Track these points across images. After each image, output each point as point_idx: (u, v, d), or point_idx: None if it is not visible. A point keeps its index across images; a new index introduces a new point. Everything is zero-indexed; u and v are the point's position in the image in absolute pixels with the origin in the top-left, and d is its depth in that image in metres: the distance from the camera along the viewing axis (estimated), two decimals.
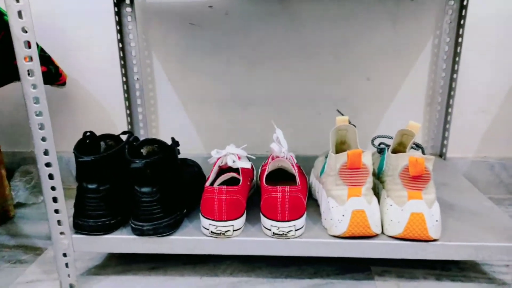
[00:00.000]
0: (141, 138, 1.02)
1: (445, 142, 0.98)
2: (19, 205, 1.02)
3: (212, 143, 1.07)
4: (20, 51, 0.57)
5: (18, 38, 0.56)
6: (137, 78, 0.99)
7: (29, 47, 0.57)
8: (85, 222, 0.65)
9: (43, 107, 0.60)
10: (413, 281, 0.69)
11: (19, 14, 0.56)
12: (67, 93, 1.05)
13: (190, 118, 1.05)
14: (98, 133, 0.71)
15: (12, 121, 1.08)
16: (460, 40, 0.91)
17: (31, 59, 0.58)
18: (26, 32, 0.57)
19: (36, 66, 0.58)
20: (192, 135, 1.06)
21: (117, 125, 1.06)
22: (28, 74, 0.58)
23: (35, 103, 0.59)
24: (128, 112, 1.00)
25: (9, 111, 1.07)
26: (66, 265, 0.67)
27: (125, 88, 0.98)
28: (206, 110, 1.04)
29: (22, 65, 0.58)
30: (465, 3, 0.89)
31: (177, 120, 1.05)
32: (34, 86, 0.59)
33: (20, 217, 0.96)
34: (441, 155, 1.00)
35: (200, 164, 0.87)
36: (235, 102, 1.03)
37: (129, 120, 1.01)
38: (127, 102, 0.99)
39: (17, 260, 0.78)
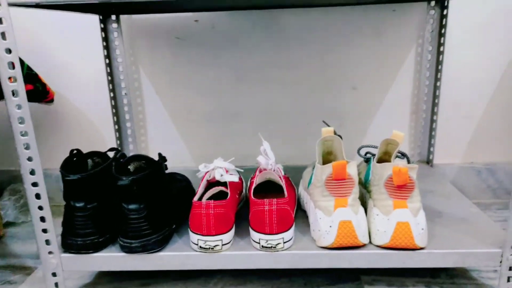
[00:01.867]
0: (131, 153, 1.03)
1: (431, 149, 0.99)
2: (8, 224, 1.01)
3: (201, 155, 1.07)
4: (4, 71, 0.57)
5: (1, 59, 0.57)
6: (125, 93, 1.00)
7: (13, 67, 0.58)
8: (74, 241, 0.64)
9: (28, 127, 0.60)
10: None
11: (3, 35, 0.56)
12: (55, 110, 1.05)
13: (178, 132, 1.06)
14: (86, 150, 0.71)
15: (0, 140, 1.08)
16: (442, 48, 0.93)
17: (15, 79, 0.58)
18: (10, 52, 0.57)
19: (20, 86, 0.58)
20: (181, 148, 1.07)
21: (106, 140, 1.06)
22: (13, 95, 0.59)
23: (20, 123, 0.60)
24: (116, 127, 1.00)
25: None
26: (56, 284, 0.66)
27: (113, 103, 0.99)
28: (194, 123, 1.05)
29: (6, 85, 0.58)
30: (445, 12, 0.91)
31: (166, 133, 1.06)
32: (19, 107, 0.59)
33: (9, 236, 0.95)
34: (428, 162, 1.01)
35: (189, 178, 0.87)
36: (223, 114, 1.04)
37: (117, 135, 1.01)
38: (115, 117, 1.00)
39: (6, 281, 0.77)
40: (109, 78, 0.96)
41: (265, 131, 1.04)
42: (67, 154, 0.68)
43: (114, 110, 0.99)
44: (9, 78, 0.58)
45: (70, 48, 0.99)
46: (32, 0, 0.55)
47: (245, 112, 1.03)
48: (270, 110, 1.03)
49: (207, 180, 0.74)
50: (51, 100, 0.94)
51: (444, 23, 0.91)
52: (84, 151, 0.70)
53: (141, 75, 1.02)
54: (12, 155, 1.09)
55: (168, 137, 1.06)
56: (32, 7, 0.59)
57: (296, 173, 0.92)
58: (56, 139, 1.07)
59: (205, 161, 1.07)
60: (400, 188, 0.63)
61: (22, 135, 0.60)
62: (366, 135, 1.04)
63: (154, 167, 0.66)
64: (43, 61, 1.00)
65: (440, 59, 0.93)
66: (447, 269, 0.74)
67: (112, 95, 0.98)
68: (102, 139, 1.06)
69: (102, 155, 0.71)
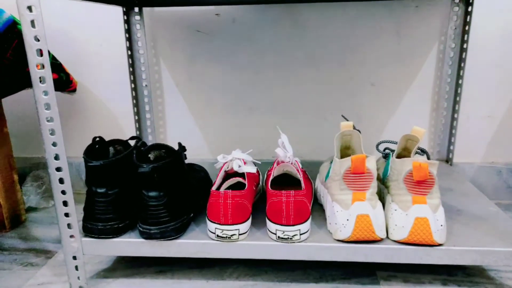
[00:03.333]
0: (149, 143, 1.05)
1: (451, 147, 0.98)
2: (30, 209, 1.04)
3: (219, 148, 1.08)
4: (33, 58, 0.59)
5: (30, 46, 0.58)
6: (146, 85, 1.01)
7: (41, 55, 0.59)
8: (94, 226, 0.66)
9: (54, 113, 0.61)
10: (419, 286, 0.69)
11: (32, 23, 0.58)
12: (77, 99, 1.07)
13: (197, 123, 1.07)
14: (107, 139, 0.72)
15: (24, 126, 1.11)
16: (465, 46, 0.91)
17: (43, 66, 0.60)
18: (38, 40, 0.59)
19: (47, 73, 0.60)
20: (199, 140, 1.08)
21: (126, 130, 1.08)
22: (40, 81, 0.60)
23: (46, 109, 0.61)
24: (136, 118, 1.02)
25: (21, 117, 1.10)
26: (76, 267, 0.68)
27: (134, 94, 1.00)
28: (213, 115, 1.06)
29: (34, 72, 0.60)
30: (469, 9, 0.89)
31: (185, 125, 1.07)
32: (46, 93, 0.61)
33: (31, 221, 0.98)
34: (448, 160, 1.00)
35: (207, 169, 0.88)
36: (241, 108, 1.04)
37: (137, 125, 1.03)
38: (135, 108, 1.01)
39: (28, 263, 0.80)
40: (131, 69, 0.98)
41: (282, 125, 1.04)
42: (88, 143, 0.70)
43: (134, 101, 1.01)
44: (37, 65, 0.60)
45: (93, 39, 1.02)
46: None
47: (263, 106, 1.04)
48: (288, 105, 1.03)
49: (225, 171, 0.75)
50: (74, 90, 0.97)
51: (468, 20, 0.89)
52: (106, 139, 0.72)
53: (162, 67, 1.03)
54: (34, 142, 1.13)
55: (186, 129, 1.07)
56: None
57: (313, 168, 0.92)
58: (77, 128, 1.09)
59: (221, 153, 1.08)
60: (420, 184, 0.63)
61: (48, 121, 0.62)
62: (385, 131, 1.03)
63: (174, 156, 0.67)
64: (67, 51, 1.02)
65: (463, 56, 0.92)
66: (464, 268, 0.73)
67: (133, 86, 0.99)
68: (122, 130, 1.08)
69: (123, 143, 0.73)
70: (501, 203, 1.01)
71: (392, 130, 1.02)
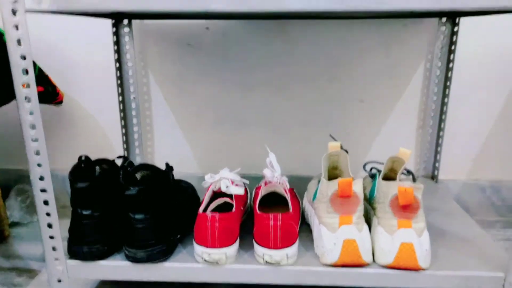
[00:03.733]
0: (137, 157, 1.04)
1: (436, 164, 0.99)
2: (14, 224, 1.02)
3: (207, 162, 1.08)
4: (18, 77, 0.58)
5: (16, 65, 0.57)
6: (134, 97, 1.00)
7: (27, 73, 0.58)
8: (80, 249, 0.65)
9: (39, 133, 0.60)
10: None
11: (18, 41, 0.57)
12: (64, 111, 1.05)
13: (185, 137, 1.06)
14: (93, 151, 0.71)
15: (6, 137, 1.09)
16: (451, 65, 0.93)
17: (28, 85, 0.59)
18: (24, 59, 0.57)
19: (33, 93, 0.59)
20: (187, 154, 1.07)
21: (113, 143, 1.07)
22: (26, 100, 0.59)
23: (31, 128, 0.60)
24: (123, 131, 1.01)
25: (2, 126, 1.08)
26: None
27: (121, 107, 0.99)
28: (201, 130, 1.05)
29: (20, 91, 0.59)
30: (456, 29, 0.90)
31: (173, 139, 1.06)
32: (31, 113, 0.59)
33: (14, 237, 0.96)
34: (433, 177, 1.01)
35: (194, 184, 0.87)
36: (230, 123, 1.04)
37: (124, 138, 1.02)
38: (123, 121, 1.00)
39: (10, 284, 0.78)
40: (119, 81, 0.97)
41: (271, 140, 1.05)
42: (75, 154, 0.69)
43: (122, 114, 1.00)
44: (23, 84, 0.59)
45: (81, 50, 1.00)
46: (49, 8, 0.55)
47: (251, 121, 1.04)
48: (277, 120, 1.03)
49: (213, 191, 0.75)
50: (60, 102, 0.95)
51: (454, 40, 0.91)
52: (91, 152, 0.71)
53: (150, 80, 1.03)
54: (18, 154, 1.10)
55: (174, 143, 1.06)
56: (48, 13, 0.59)
57: (300, 183, 0.93)
58: (64, 139, 1.08)
59: (210, 168, 1.08)
60: (405, 208, 0.63)
61: (33, 141, 0.61)
62: (372, 147, 1.04)
63: (161, 177, 0.67)
64: (54, 62, 1.01)
65: (449, 75, 0.93)
66: None
67: (120, 98, 0.98)
68: (109, 142, 1.07)
69: (109, 163, 0.72)
70: (484, 219, 1.02)
71: (379, 146, 1.03)
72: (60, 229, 0.65)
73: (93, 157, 0.71)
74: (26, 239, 0.95)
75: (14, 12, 0.55)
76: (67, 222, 0.67)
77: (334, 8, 0.47)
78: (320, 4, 0.47)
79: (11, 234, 0.97)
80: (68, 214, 0.66)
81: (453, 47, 0.92)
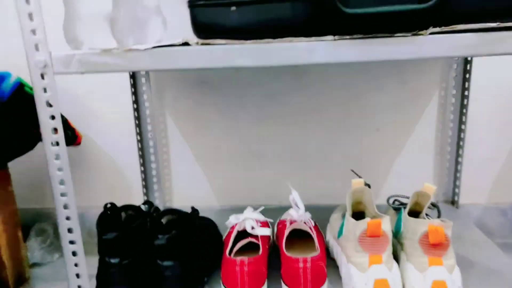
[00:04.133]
0: (155, 192, 1.04)
1: (456, 190, 0.99)
2: (34, 264, 1.01)
3: (226, 195, 1.08)
4: (48, 137, 0.59)
5: (45, 125, 0.59)
6: (151, 136, 1.01)
7: (56, 132, 0.59)
8: None
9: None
10: None
11: (48, 103, 0.58)
12: (82, 151, 1.06)
13: (202, 172, 1.07)
14: (114, 189, 0.71)
15: (27, 179, 1.10)
16: (466, 92, 0.93)
17: (57, 144, 0.60)
18: (53, 119, 0.59)
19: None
20: (205, 188, 1.07)
21: (132, 179, 1.07)
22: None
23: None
24: (142, 168, 1.02)
25: (23, 170, 1.09)
26: None
27: (139, 146, 1.00)
28: (218, 163, 1.06)
29: (49, 150, 0.59)
30: (469, 58, 0.91)
31: (190, 174, 1.07)
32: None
33: (35, 278, 0.96)
34: (453, 202, 1.01)
35: (213, 217, 0.87)
36: (247, 156, 1.05)
37: (143, 176, 1.02)
38: (141, 159, 1.01)
39: None
40: (137, 122, 0.98)
41: (288, 172, 1.05)
42: (92, 192, 0.69)
43: (140, 152, 1.01)
44: (52, 142, 0.60)
45: (99, 93, 1.02)
46: (77, 70, 0.56)
47: (267, 153, 1.04)
48: (293, 151, 1.04)
49: (238, 231, 0.75)
50: (79, 143, 0.96)
51: (468, 68, 0.92)
52: (110, 192, 0.71)
53: (167, 118, 1.04)
54: (37, 192, 1.11)
55: (192, 177, 1.07)
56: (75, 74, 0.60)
57: (319, 212, 0.92)
58: (81, 179, 1.08)
59: (228, 201, 1.08)
60: (436, 246, 0.63)
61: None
62: (390, 175, 1.04)
63: (188, 222, 0.67)
64: (72, 106, 1.02)
65: (465, 103, 0.94)
66: None
67: (138, 138, 0.99)
68: (127, 179, 1.07)
69: (135, 208, 0.72)
70: (507, 242, 1.01)
71: (397, 174, 1.03)
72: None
73: (114, 197, 0.71)
74: (46, 280, 0.94)
75: (43, 76, 0.56)
76: (87, 258, 0.66)
77: (361, 60, 0.48)
78: (348, 56, 0.48)
79: (31, 275, 0.97)
80: (87, 251, 0.66)
81: (467, 75, 0.92)
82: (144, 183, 1.03)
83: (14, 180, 0.94)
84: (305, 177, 1.05)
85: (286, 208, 0.83)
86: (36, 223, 1.08)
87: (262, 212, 0.80)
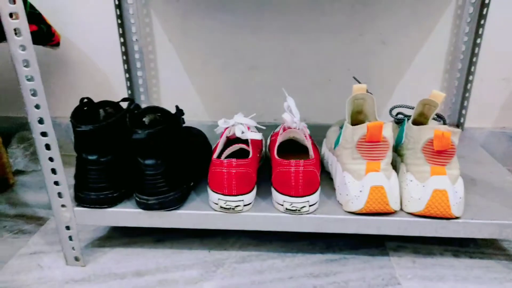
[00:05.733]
0: (142, 104, 0.98)
1: (463, 111, 0.93)
2: (19, 172, 0.98)
3: (216, 109, 1.01)
4: (4, 7, 0.50)
5: None
6: (136, 39, 0.92)
7: (14, 2, 0.51)
8: (87, 195, 0.61)
9: (34, 71, 0.54)
10: (430, 257, 0.66)
11: None
12: (61, 54, 0.98)
13: (192, 83, 0.99)
14: (96, 98, 0.66)
15: (3, 83, 1.02)
16: (487, 1, 0.83)
17: (17, 16, 0.52)
18: None
19: (23, 24, 0.52)
20: (195, 101, 1.01)
21: (116, 88, 1.00)
22: (16, 34, 0.52)
23: (25, 66, 0.54)
24: (127, 76, 0.94)
25: (2, 74, 1.01)
26: (70, 238, 0.64)
27: (123, 49, 0.92)
28: (209, 73, 0.98)
29: (8, 23, 0.51)
30: None
31: (180, 84, 0.99)
32: (23, 48, 0.53)
33: (20, 185, 0.93)
34: (459, 125, 0.95)
35: (204, 132, 0.82)
36: (240, 66, 0.97)
37: (128, 84, 0.95)
38: (125, 65, 0.93)
39: (19, 230, 0.75)
40: (119, 21, 0.89)
41: (284, 86, 0.97)
42: (76, 103, 0.63)
43: (124, 57, 0.92)
44: (10, 14, 0.52)
45: None
46: None
47: (263, 64, 0.96)
48: (290, 63, 0.96)
49: (227, 137, 0.69)
50: (57, 44, 0.88)
51: None
52: (94, 99, 0.65)
53: (153, 20, 0.94)
54: (18, 101, 1.04)
55: (181, 89, 1.00)
56: None
57: (317, 131, 0.87)
58: (63, 86, 1.01)
59: (219, 116, 1.01)
60: (440, 154, 0.58)
61: (28, 80, 0.54)
62: (393, 93, 0.97)
63: (172, 120, 0.61)
64: (47, 1, 0.92)
65: (484, 12, 0.84)
66: (476, 239, 0.71)
67: (122, 40, 0.90)
68: (112, 88, 1.00)
69: (114, 105, 0.66)
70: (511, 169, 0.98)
71: (402, 91, 0.96)
72: (66, 177, 0.60)
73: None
74: (31, 187, 0.92)
75: None
76: (72, 171, 0.62)
77: None
78: None
79: (16, 182, 0.94)
80: (73, 163, 0.61)
81: None
82: (130, 92, 0.96)
83: None
84: (304, 93, 0.98)
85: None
86: (19, 131, 1.03)
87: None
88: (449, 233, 0.59)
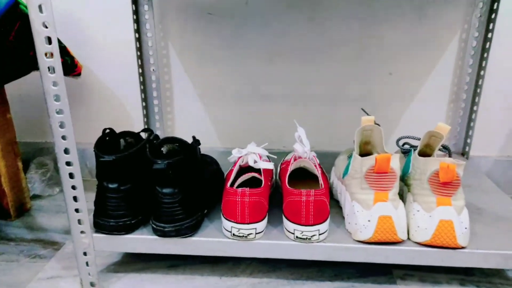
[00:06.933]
0: (157, 131, 1.02)
1: (468, 140, 0.95)
2: (35, 197, 1.02)
3: (229, 136, 1.05)
4: (41, 46, 0.55)
5: (38, 33, 0.54)
6: (153, 69, 0.97)
7: (50, 42, 0.55)
8: (106, 222, 0.64)
9: (64, 105, 0.58)
10: (436, 285, 0.67)
11: (40, 8, 0.53)
12: (82, 83, 1.03)
13: (206, 111, 1.03)
14: (112, 125, 0.69)
15: (26, 110, 1.07)
16: (490, 35, 0.87)
17: (51, 55, 0.56)
18: (46, 27, 0.54)
19: (57, 62, 0.56)
20: (208, 129, 1.05)
21: (133, 116, 1.04)
22: (49, 71, 0.56)
23: (55, 100, 0.58)
24: (144, 104, 0.99)
25: (23, 99, 1.06)
26: (87, 263, 0.66)
27: (141, 79, 0.96)
28: (223, 102, 1.02)
29: (43, 61, 0.56)
30: None
31: (193, 113, 1.03)
32: (55, 84, 0.57)
33: (36, 209, 0.96)
34: (464, 153, 0.97)
35: (217, 159, 0.85)
36: (253, 96, 1.01)
37: (144, 112, 0.99)
38: (143, 94, 0.98)
39: (36, 255, 0.78)
40: (138, 53, 0.94)
41: (295, 114, 1.01)
42: (92, 128, 0.67)
43: (142, 87, 0.97)
44: (45, 53, 0.56)
45: (99, 20, 0.96)
46: None
47: (275, 94, 1.00)
48: (301, 93, 0.99)
49: (240, 166, 0.72)
50: (79, 74, 0.93)
51: (495, 7, 0.85)
52: (110, 126, 0.68)
53: (170, 51, 0.99)
54: (37, 126, 1.09)
55: (195, 116, 1.04)
56: None
57: (325, 159, 0.90)
58: (81, 113, 1.06)
59: (231, 142, 1.05)
60: (446, 185, 0.60)
61: (57, 113, 0.58)
62: (400, 123, 1.00)
63: (189, 151, 0.64)
64: (72, 34, 0.97)
65: (487, 46, 0.88)
66: (482, 267, 0.72)
67: (140, 71, 0.95)
68: (128, 115, 1.04)
69: (134, 135, 0.70)
70: None
71: (408, 121, 0.99)
72: (86, 207, 0.63)
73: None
74: (48, 212, 0.95)
75: None
76: (88, 195, 0.65)
77: None
78: None
79: (33, 207, 0.97)
80: (88, 187, 0.64)
81: (493, 16, 0.86)
82: (145, 120, 1.00)
83: (14, 112, 0.91)
84: (313, 122, 1.02)
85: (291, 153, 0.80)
86: (37, 157, 1.07)
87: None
88: (455, 262, 0.60)
